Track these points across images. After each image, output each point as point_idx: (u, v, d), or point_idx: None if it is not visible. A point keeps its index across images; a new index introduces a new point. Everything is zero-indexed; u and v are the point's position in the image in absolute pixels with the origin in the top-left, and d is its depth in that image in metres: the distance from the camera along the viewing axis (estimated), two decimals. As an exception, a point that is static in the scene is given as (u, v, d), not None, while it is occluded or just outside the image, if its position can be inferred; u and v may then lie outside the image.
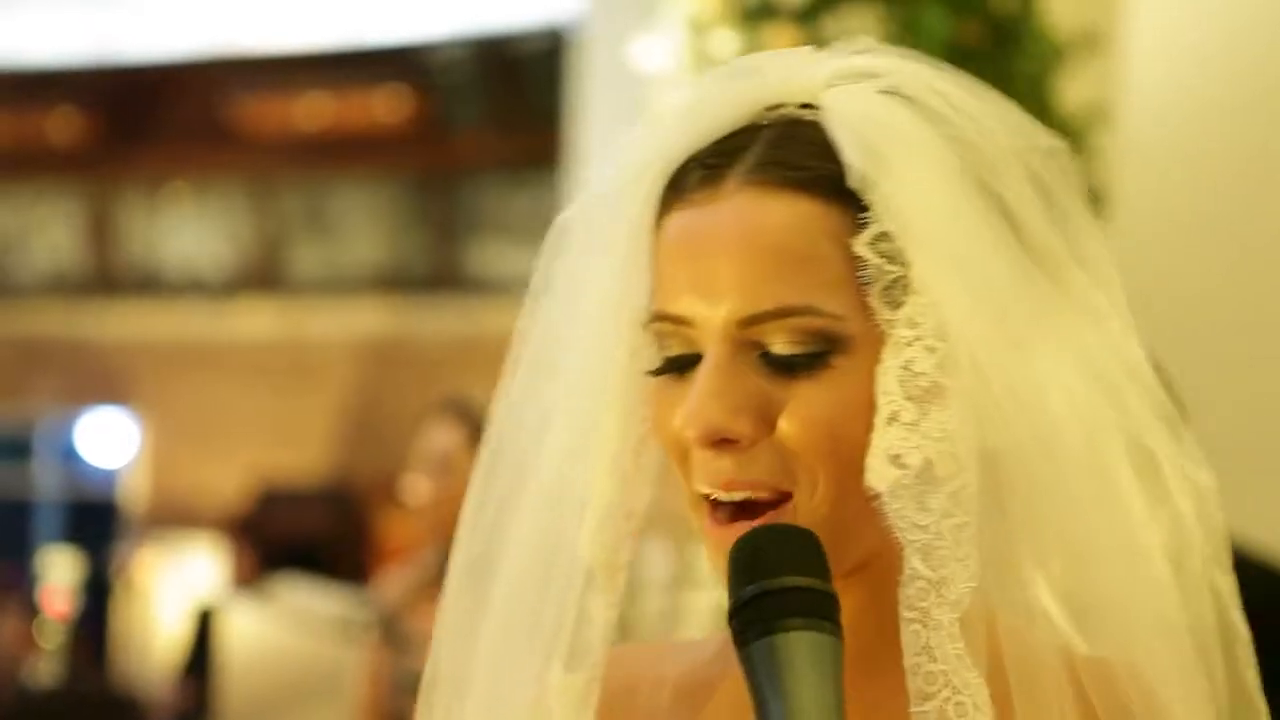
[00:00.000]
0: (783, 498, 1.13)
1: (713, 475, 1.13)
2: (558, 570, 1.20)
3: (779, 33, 3.51)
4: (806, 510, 1.12)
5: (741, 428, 1.11)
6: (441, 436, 3.85)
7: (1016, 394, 1.12)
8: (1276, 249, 4.26)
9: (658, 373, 1.16)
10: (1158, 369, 1.21)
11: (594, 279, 1.19)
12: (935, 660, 1.11)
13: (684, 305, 1.13)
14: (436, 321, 10.40)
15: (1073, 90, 3.82)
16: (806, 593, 1.06)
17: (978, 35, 3.62)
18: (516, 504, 1.22)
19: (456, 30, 9.83)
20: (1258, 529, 2.98)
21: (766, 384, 1.12)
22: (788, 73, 1.18)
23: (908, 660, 1.11)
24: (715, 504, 1.14)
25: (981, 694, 1.11)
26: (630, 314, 1.17)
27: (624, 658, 1.25)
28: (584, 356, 1.19)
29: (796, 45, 1.24)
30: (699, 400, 1.11)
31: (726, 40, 3.79)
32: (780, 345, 1.11)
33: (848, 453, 1.11)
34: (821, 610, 1.05)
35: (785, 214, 1.12)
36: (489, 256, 10.29)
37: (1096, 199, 3.84)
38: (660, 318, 1.15)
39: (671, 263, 1.14)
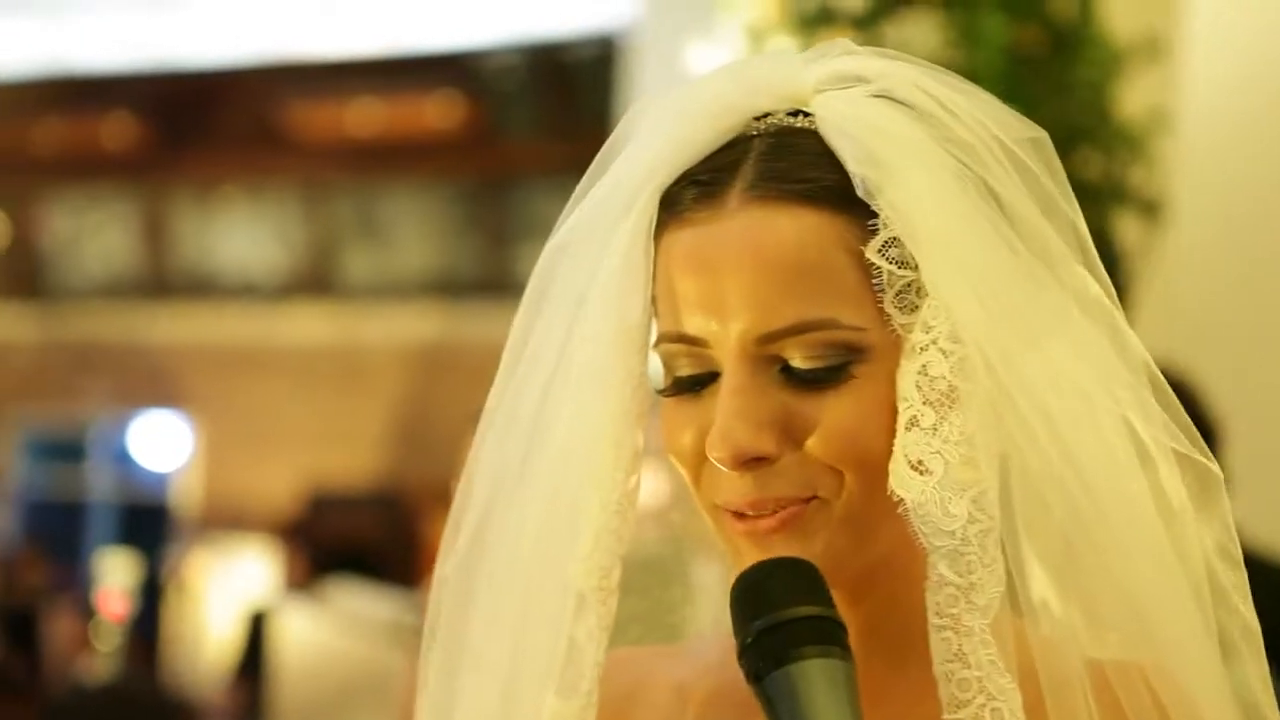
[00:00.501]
0: (807, 499, 1.12)
1: (738, 494, 1.12)
2: (548, 595, 1.19)
3: (837, 38, 3.49)
4: (831, 510, 1.12)
5: (768, 446, 1.10)
6: None
7: (1030, 392, 1.11)
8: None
9: (669, 393, 1.15)
10: (1180, 384, 1.20)
11: (591, 298, 1.18)
12: (969, 667, 1.10)
13: (696, 325, 1.12)
14: (487, 327, 10.40)
15: (1133, 96, 3.79)
16: (814, 621, 1.05)
17: (1037, 41, 3.60)
18: (503, 527, 1.21)
19: (508, 36, 9.85)
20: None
21: (788, 398, 1.11)
22: (774, 79, 1.17)
23: (939, 667, 1.11)
24: (741, 515, 1.13)
25: (1015, 699, 1.10)
26: (626, 334, 1.16)
27: (625, 662, 1.24)
28: (579, 377, 1.18)
29: None
30: (725, 422, 1.10)
31: (784, 46, 3.77)
32: (800, 359, 1.11)
33: (873, 460, 1.11)
34: (830, 636, 1.05)
35: (794, 227, 1.11)
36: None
37: (1157, 206, 3.82)
38: (671, 339, 1.14)
39: (679, 283, 1.13)
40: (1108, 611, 1.17)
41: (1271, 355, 4.07)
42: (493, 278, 10.58)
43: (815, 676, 1.04)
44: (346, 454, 10.65)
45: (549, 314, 1.21)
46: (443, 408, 10.27)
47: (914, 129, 1.14)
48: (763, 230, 1.11)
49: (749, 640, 1.06)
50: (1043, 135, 1.19)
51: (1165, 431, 1.17)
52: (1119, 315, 1.18)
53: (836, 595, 1.09)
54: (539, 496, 1.20)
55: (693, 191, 1.14)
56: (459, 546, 1.24)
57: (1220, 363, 3.79)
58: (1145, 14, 4.06)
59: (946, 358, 1.10)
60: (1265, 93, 4.26)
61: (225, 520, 10.73)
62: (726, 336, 1.11)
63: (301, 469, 10.53)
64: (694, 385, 1.14)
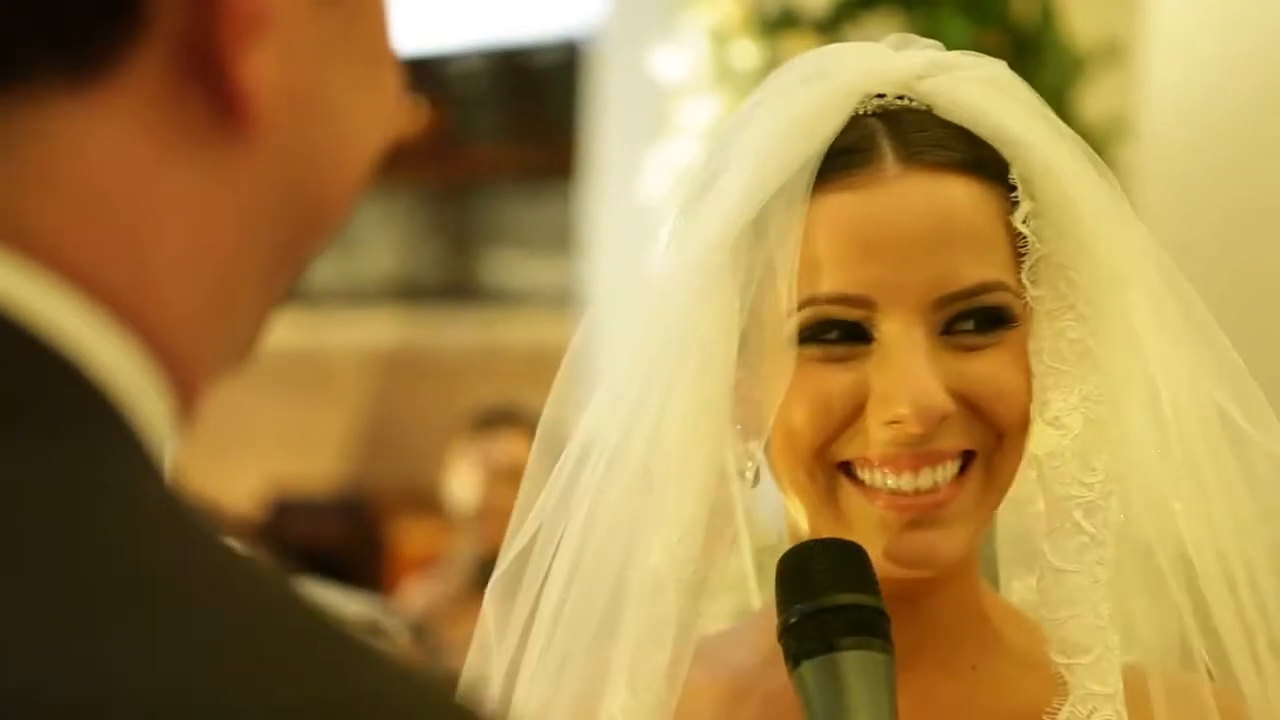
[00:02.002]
0: (970, 453, 1.15)
1: (903, 455, 1.13)
2: (631, 585, 1.20)
3: (800, 42, 3.52)
4: (990, 472, 1.14)
5: (950, 406, 1.13)
6: (510, 447, 3.84)
7: (1158, 364, 1.18)
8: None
9: (813, 350, 1.15)
10: None
11: (712, 292, 1.18)
12: (1097, 615, 1.13)
13: (867, 286, 1.14)
14: (453, 332, 10.40)
15: (1093, 101, 3.82)
16: (858, 610, 1.06)
17: (998, 45, 3.62)
18: (595, 513, 1.22)
19: (472, 42, 9.83)
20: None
21: (953, 360, 1.14)
22: (883, 65, 1.21)
23: (1061, 613, 1.13)
24: (894, 493, 1.14)
25: (1120, 660, 1.14)
26: (731, 326, 1.18)
27: None
28: (688, 366, 1.19)
29: None
30: (921, 381, 1.11)
31: (747, 51, 3.79)
32: (968, 321, 1.15)
33: (1025, 419, 1.15)
34: (872, 628, 1.06)
35: (963, 194, 1.15)
36: (505, 268, 10.29)
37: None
38: (828, 299, 1.15)
39: (842, 245, 1.15)
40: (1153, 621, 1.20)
41: (1235, 348, 4.08)
42: (457, 283, 10.56)
43: (852, 668, 1.05)
44: (311, 458, 10.62)
45: (665, 302, 1.22)
46: (408, 413, 10.25)
47: (1023, 110, 1.19)
48: (934, 194, 1.15)
49: (791, 621, 1.06)
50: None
51: (1261, 429, 1.22)
52: (1209, 316, 1.25)
53: (918, 585, 1.10)
54: (632, 481, 1.21)
55: (839, 161, 1.16)
56: (539, 523, 1.25)
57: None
58: (1106, 20, 4.08)
59: (1084, 322, 1.15)
60: (1225, 98, 4.29)
61: (188, 526, 10.66)
62: (904, 297, 1.13)
63: (265, 473, 10.49)
64: (845, 340, 1.14)
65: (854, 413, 1.13)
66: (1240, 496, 1.19)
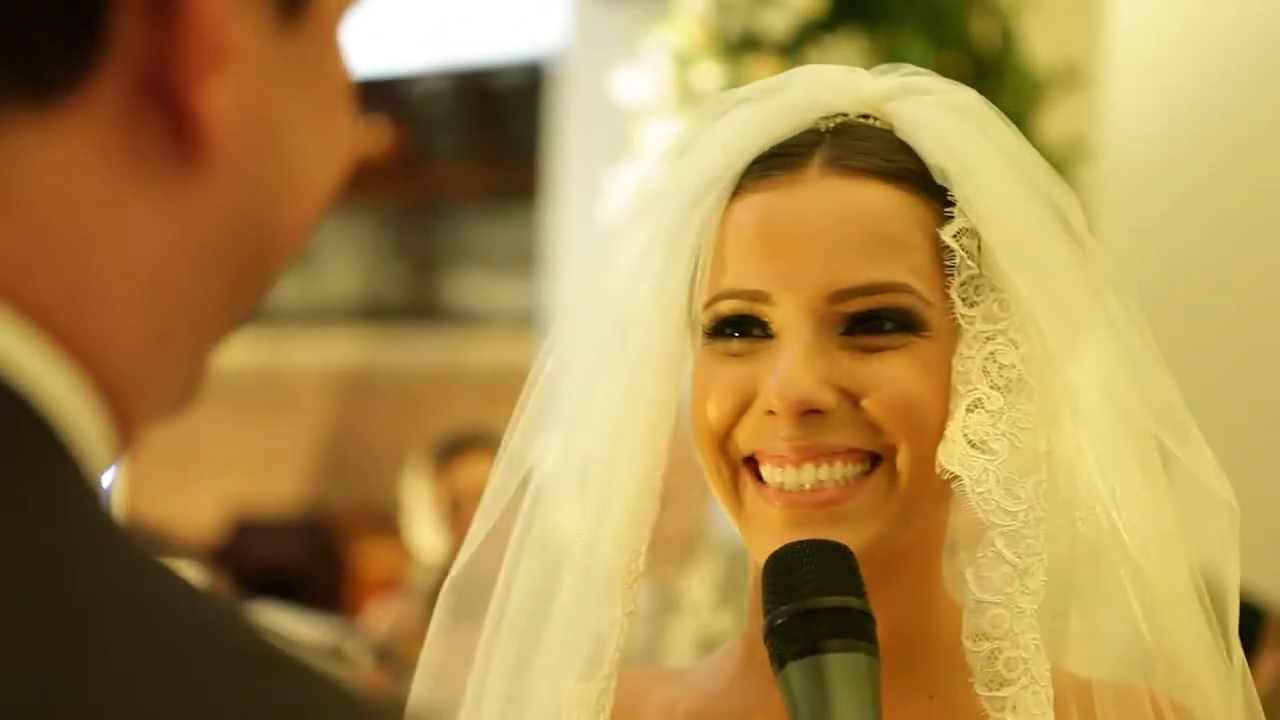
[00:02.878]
0: (869, 454, 1.14)
1: (786, 447, 1.13)
2: (577, 576, 1.20)
3: (762, 65, 3.53)
4: (888, 475, 1.14)
5: (828, 399, 1.12)
6: (480, 470, 3.84)
7: (1075, 400, 1.17)
8: (1254, 281, 4.28)
9: (713, 340, 1.17)
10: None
11: (644, 282, 1.21)
12: (1018, 647, 1.12)
13: (764, 281, 1.15)
14: (414, 353, 10.38)
15: (1053, 124, 3.84)
16: (844, 613, 1.06)
17: (960, 69, 3.64)
18: (535, 508, 1.23)
19: (435, 63, 9.83)
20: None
21: (848, 360, 1.14)
22: (850, 83, 1.22)
23: (983, 645, 1.13)
24: (765, 484, 1.15)
25: (1049, 689, 1.13)
26: (683, 323, 1.19)
27: (628, 680, 1.25)
28: (628, 360, 1.21)
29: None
30: (790, 371, 1.12)
31: (710, 72, 3.80)
32: (865, 321, 1.14)
33: (927, 431, 1.14)
34: (859, 630, 1.06)
35: (878, 198, 1.15)
36: (467, 288, 10.28)
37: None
38: (732, 294, 1.16)
39: (748, 241, 1.16)
40: (1114, 629, 1.20)
41: (1191, 376, 4.11)
42: (419, 303, 10.55)
43: (838, 670, 1.04)
44: (271, 479, 10.57)
45: (600, 296, 1.23)
46: (369, 433, 10.22)
47: (985, 140, 1.19)
48: (847, 195, 1.15)
49: (776, 623, 1.06)
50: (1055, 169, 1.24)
51: (1184, 445, 1.21)
52: (1152, 348, 1.23)
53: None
54: (574, 475, 1.21)
55: (769, 163, 1.17)
56: (491, 522, 1.25)
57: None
58: (1065, 43, 4.11)
59: (1016, 348, 1.14)
60: (1183, 120, 4.32)
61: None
62: (797, 292, 1.13)
63: (225, 494, 10.44)
64: (745, 336, 1.16)
65: (747, 406, 1.15)
66: (1170, 526, 1.19)
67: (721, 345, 1.17)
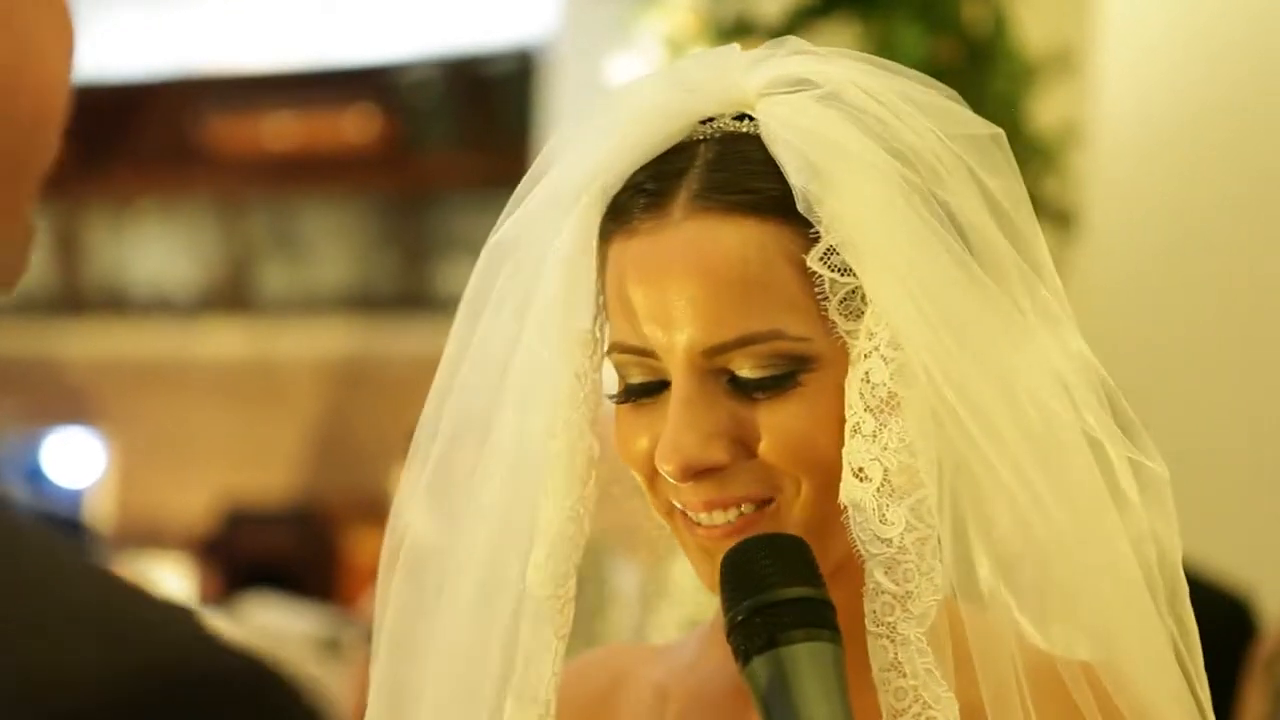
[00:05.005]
0: (765, 502, 1.13)
1: (695, 496, 1.13)
2: (504, 605, 1.19)
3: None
4: (788, 512, 1.12)
5: (718, 456, 1.11)
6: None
7: (972, 400, 1.12)
8: (1246, 268, 4.28)
9: (620, 400, 1.16)
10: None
11: (536, 302, 1.18)
12: (905, 676, 1.11)
13: (644, 337, 1.13)
14: (404, 342, 10.37)
15: (1045, 109, 3.84)
16: (803, 603, 1.06)
17: (953, 54, 3.64)
18: (458, 533, 1.21)
19: (425, 51, 9.81)
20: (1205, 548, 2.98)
21: (738, 407, 1.12)
22: (718, 83, 1.17)
23: (876, 675, 1.11)
24: (693, 521, 1.14)
25: (952, 709, 1.11)
26: (575, 337, 1.17)
27: (607, 658, 1.25)
28: (528, 380, 1.19)
29: None
30: (673, 435, 1.11)
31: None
32: (748, 370, 1.11)
33: (826, 466, 1.12)
34: (819, 618, 1.06)
35: (738, 239, 1.11)
36: (458, 277, 10.25)
37: (1069, 217, 3.86)
38: (622, 349, 1.15)
39: (629, 293, 1.13)
40: (1056, 613, 1.18)
41: (1180, 363, 4.11)
42: (410, 292, 10.54)
43: (802, 661, 1.04)
44: (263, 470, 10.56)
45: (491, 318, 1.21)
46: (360, 423, 10.21)
47: (857, 136, 1.14)
48: (705, 242, 1.11)
49: (737, 619, 1.06)
50: (999, 132, 1.19)
51: (1115, 435, 1.17)
52: (1068, 321, 1.18)
53: None
54: (491, 504, 1.19)
55: (640, 201, 1.14)
56: (406, 555, 1.23)
57: (1131, 371, 3.83)
58: (1058, 28, 4.11)
59: (887, 364, 1.10)
60: (1175, 105, 4.31)
61: (140, 537, 10.61)
62: (673, 349, 1.11)
63: (217, 485, 10.43)
64: (646, 393, 1.14)
65: (652, 458, 1.14)
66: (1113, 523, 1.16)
67: (628, 396, 1.16)
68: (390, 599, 1.22)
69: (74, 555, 0.59)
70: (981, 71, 3.69)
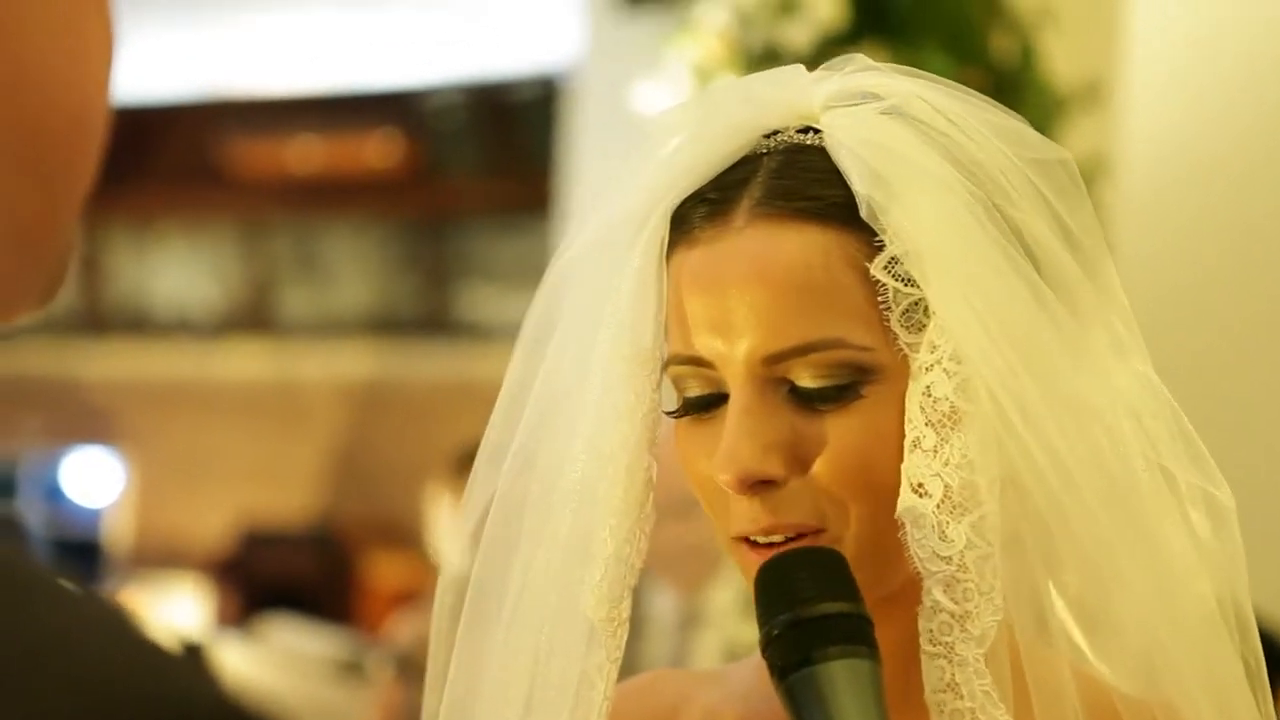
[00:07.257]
0: (817, 531, 1.11)
1: (749, 521, 1.11)
2: (564, 628, 1.17)
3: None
4: (839, 544, 1.11)
5: (775, 469, 1.09)
6: None
7: (1032, 419, 1.09)
8: (1276, 298, 4.27)
9: (678, 415, 1.14)
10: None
11: (601, 323, 1.16)
12: (962, 698, 1.09)
13: (703, 346, 1.11)
14: (426, 366, 10.38)
15: (1073, 141, 3.82)
16: (841, 619, 1.04)
17: (980, 84, 3.63)
18: (518, 558, 1.19)
19: (450, 76, 9.84)
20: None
21: (797, 419, 1.10)
22: (784, 97, 1.16)
23: (931, 696, 1.09)
24: (754, 543, 1.12)
25: None
26: (638, 359, 1.15)
27: (663, 682, 1.24)
28: (594, 403, 1.17)
29: None
30: (731, 444, 1.09)
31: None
32: (808, 379, 1.09)
33: (881, 484, 1.09)
34: (858, 635, 1.04)
35: (800, 245, 1.10)
36: (480, 301, 10.28)
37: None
38: (679, 360, 1.13)
39: (686, 303, 1.12)
40: (1118, 648, 1.16)
41: (1212, 393, 4.10)
42: (432, 316, 10.55)
43: (839, 679, 1.02)
44: (282, 491, 10.57)
45: (559, 340, 1.20)
46: (381, 446, 10.22)
47: (922, 148, 1.12)
48: (768, 248, 1.10)
49: (773, 634, 1.04)
50: (1068, 157, 1.17)
51: (1184, 464, 1.15)
52: (1138, 348, 1.16)
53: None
54: (553, 525, 1.18)
55: (701, 210, 1.13)
56: (473, 576, 1.22)
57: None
58: (1086, 59, 4.10)
59: (950, 378, 1.08)
60: (1203, 137, 4.31)
61: (158, 557, 10.63)
62: (733, 357, 1.10)
63: (236, 506, 10.44)
64: (704, 406, 1.13)
65: (713, 481, 1.11)
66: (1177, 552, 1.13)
67: (686, 410, 1.14)
68: (442, 627, 1.22)
69: (75, 605, 0.58)
70: (1009, 102, 3.67)
